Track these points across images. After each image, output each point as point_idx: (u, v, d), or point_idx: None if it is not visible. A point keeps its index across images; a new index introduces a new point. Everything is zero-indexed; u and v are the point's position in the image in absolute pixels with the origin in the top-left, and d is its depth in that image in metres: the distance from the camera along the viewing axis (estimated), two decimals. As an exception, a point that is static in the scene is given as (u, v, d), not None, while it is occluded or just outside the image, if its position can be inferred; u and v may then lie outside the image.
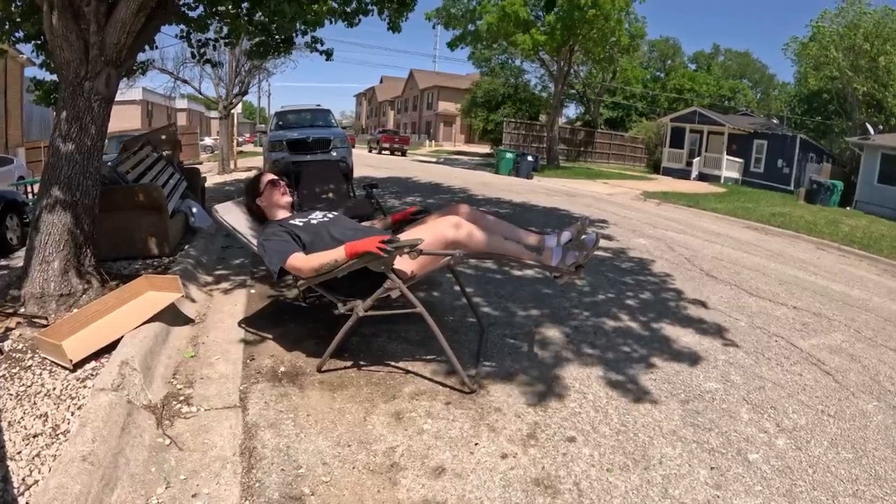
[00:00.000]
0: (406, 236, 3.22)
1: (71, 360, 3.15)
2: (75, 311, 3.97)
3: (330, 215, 3.69)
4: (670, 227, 10.05)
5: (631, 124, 42.69)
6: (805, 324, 4.91)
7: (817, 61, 26.76)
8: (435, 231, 3.15)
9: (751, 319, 4.85)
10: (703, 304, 5.15)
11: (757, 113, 42.54)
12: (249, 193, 3.81)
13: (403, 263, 3.12)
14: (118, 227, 5.59)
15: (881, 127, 24.99)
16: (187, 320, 4.05)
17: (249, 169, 19.47)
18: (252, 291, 4.89)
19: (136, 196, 5.77)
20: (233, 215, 3.81)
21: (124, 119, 31.70)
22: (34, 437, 2.59)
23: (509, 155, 22.36)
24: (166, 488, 2.31)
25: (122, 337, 3.34)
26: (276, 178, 3.80)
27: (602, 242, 7.53)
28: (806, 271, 7.46)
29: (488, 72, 38.63)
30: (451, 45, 29.07)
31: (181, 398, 3.01)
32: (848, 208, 19.16)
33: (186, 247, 6.06)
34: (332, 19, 7.01)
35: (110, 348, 3.27)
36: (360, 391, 3.11)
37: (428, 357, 3.55)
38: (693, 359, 3.85)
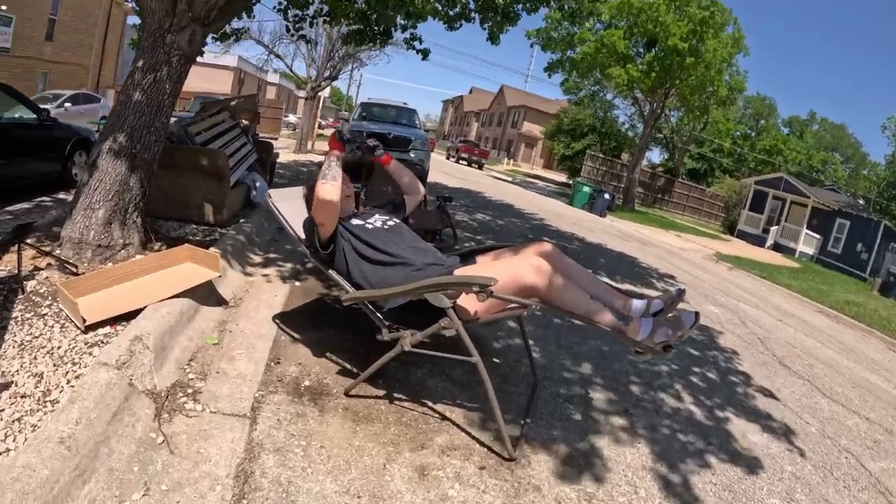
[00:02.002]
0: (477, 269, 2.81)
1: (84, 320, 2.90)
2: (109, 265, 3.76)
3: (391, 222, 3.31)
4: (742, 299, 9.37)
5: (713, 179, 41.41)
6: (876, 441, 4.30)
7: None
8: (512, 270, 2.68)
9: (822, 426, 4.27)
10: (774, 397, 4.57)
11: (843, 190, 40.70)
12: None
13: (468, 301, 2.68)
14: (175, 187, 5.43)
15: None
16: (220, 301, 3.76)
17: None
18: (297, 284, 4.56)
19: (199, 159, 5.57)
20: (289, 205, 3.43)
21: (216, 82, 32.69)
22: (22, 397, 2.37)
23: (586, 189, 21.75)
24: (143, 495, 2.00)
25: (146, 307, 3.06)
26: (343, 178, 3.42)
27: None
28: (879, 375, 6.76)
29: (577, 101, 38.12)
30: (549, 71, 28.80)
31: (189, 391, 2.69)
32: (924, 308, 17.82)
33: (241, 221, 5.81)
34: (434, 17, 6.77)
35: (130, 316, 3.00)
36: (386, 430, 2.71)
37: (470, 405, 3.11)
38: (757, 465, 3.29)
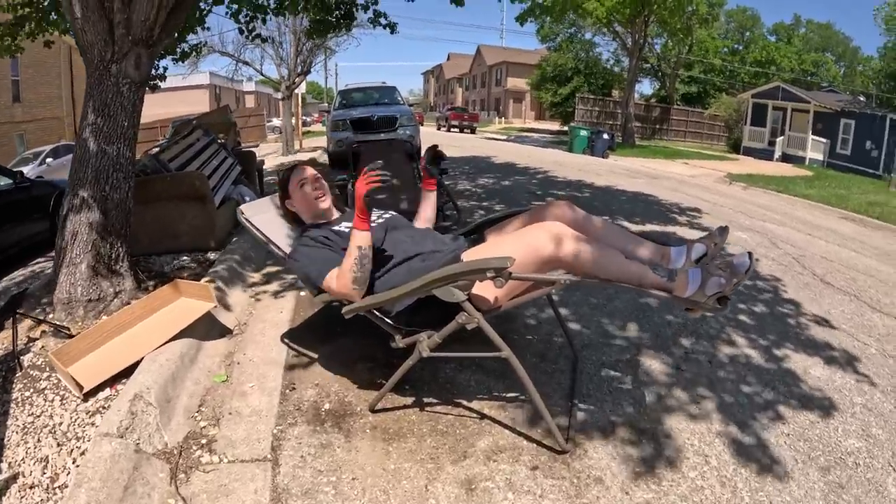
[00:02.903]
0: (488, 249, 2.48)
1: (81, 388, 2.69)
2: (104, 318, 3.54)
3: (386, 215, 2.99)
4: (766, 218, 9.03)
5: (709, 101, 40.57)
6: None
7: None
8: (527, 243, 2.32)
9: (881, 345, 3.92)
10: (827, 323, 4.23)
11: (842, 89, 39.60)
12: (280, 194, 3.10)
13: (485, 289, 2.36)
14: (160, 220, 5.18)
15: None
16: (224, 331, 3.52)
17: (315, 149, 19.16)
18: (302, 294, 4.28)
19: (177, 186, 5.28)
20: (265, 217, 3.13)
21: (192, 103, 32.43)
22: (31, 488, 2.19)
23: (584, 132, 21.31)
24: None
25: (142, 359, 2.83)
26: (308, 176, 3.02)
27: (698, 236, 6.65)
28: None
29: (557, 47, 37.46)
30: (520, 20, 28.10)
31: (203, 442, 2.46)
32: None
33: (235, 239, 5.56)
34: None
35: (130, 371, 2.78)
36: (421, 443, 2.45)
37: (508, 395, 2.83)
38: (827, 405, 2.99)
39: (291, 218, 3.09)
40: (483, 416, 2.66)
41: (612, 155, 20.60)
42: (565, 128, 33.56)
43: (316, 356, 3.27)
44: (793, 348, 3.68)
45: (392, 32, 7.90)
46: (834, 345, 3.80)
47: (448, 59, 71.68)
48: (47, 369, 2.99)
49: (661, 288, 2.32)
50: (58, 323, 3.48)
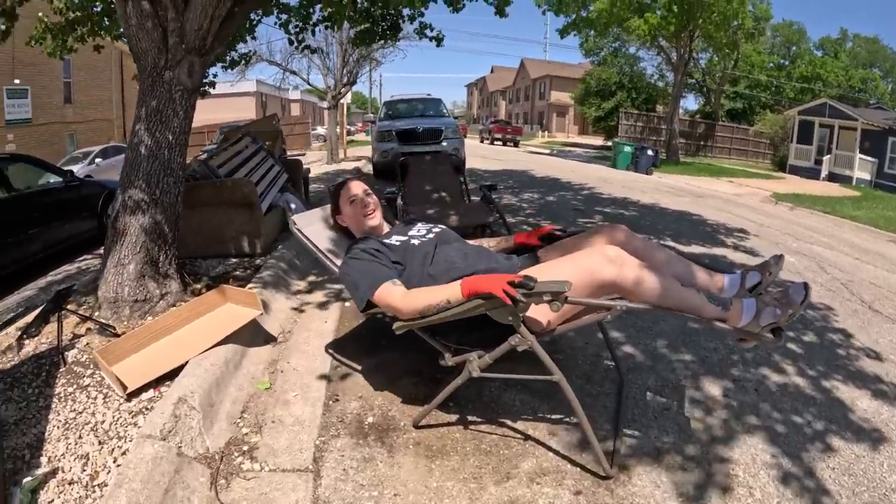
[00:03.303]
0: (542, 270, 2.39)
1: (125, 388, 2.72)
2: (150, 319, 3.59)
3: (436, 229, 2.94)
4: (814, 240, 8.77)
5: (754, 117, 39.79)
6: None
7: None
8: (584, 267, 2.27)
9: None
10: (876, 354, 4.04)
11: (889, 106, 38.39)
12: (332, 207, 3.13)
13: (538, 311, 2.32)
14: (207, 224, 5.28)
15: None
16: (268, 338, 3.55)
17: (359, 158, 19.31)
18: (347, 305, 4.28)
19: (225, 192, 5.39)
20: (316, 228, 3.13)
21: (239, 110, 33.04)
22: (70, 484, 2.20)
23: (628, 148, 21.03)
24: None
25: (187, 362, 2.85)
26: (359, 192, 2.99)
27: (747, 259, 6.57)
28: None
29: (601, 61, 37.20)
30: (562, 33, 27.89)
31: (245, 448, 2.46)
32: None
33: (280, 246, 5.61)
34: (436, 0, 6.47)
35: (174, 374, 2.81)
36: (465, 462, 2.41)
37: (553, 417, 2.77)
38: (873, 437, 2.87)
39: (341, 231, 3.13)
40: (527, 437, 2.61)
41: (656, 172, 20.26)
42: (608, 143, 33.23)
43: (360, 368, 3.26)
44: (840, 379, 3.54)
45: (438, 45, 7.92)
46: (882, 376, 3.65)
47: (492, 71, 71.86)
48: (91, 366, 3.04)
49: (716, 318, 2.26)
50: (103, 321, 3.55)
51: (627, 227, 2.68)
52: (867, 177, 23.61)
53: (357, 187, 3.00)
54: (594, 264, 2.26)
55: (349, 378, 3.16)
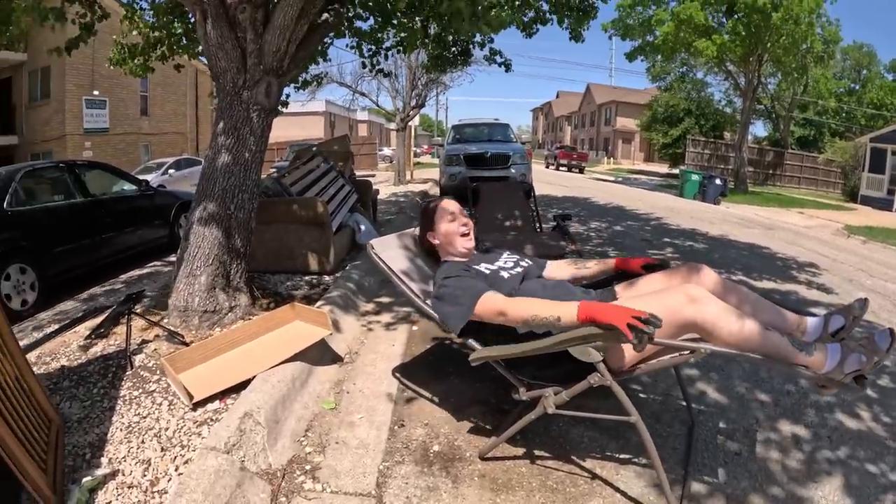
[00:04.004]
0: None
1: (191, 397, 2.77)
2: (217, 330, 3.67)
3: (523, 263, 2.88)
4: (889, 277, 8.31)
5: (823, 144, 38.39)
6: None
7: None
8: (667, 306, 2.17)
9: None
10: None
11: None
12: (423, 225, 3.03)
13: (619, 350, 2.26)
14: (278, 241, 5.40)
15: None
16: (335, 358, 3.56)
17: (426, 181, 19.46)
18: (414, 329, 4.28)
19: (298, 210, 5.50)
20: (394, 253, 3.06)
21: (308, 129, 33.90)
22: (129, 487, 2.23)
23: (695, 177, 20.56)
24: None
25: (255, 377, 2.88)
26: (458, 212, 2.95)
27: (820, 297, 6.30)
28: None
29: (667, 87, 36.67)
30: (630, 57, 27.71)
31: (307, 468, 2.46)
32: None
33: (349, 266, 5.68)
34: (508, 26, 6.48)
35: (240, 387, 2.85)
36: (530, 498, 2.33)
37: (622, 456, 2.68)
38: None
39: (428, 251, 3.07)
40: (595, 476, 2.51)
41: (724, 201, 19.72)
42: (674, 170, 32.64)
43: (426, 394, 3.23)
44: None
45: (507, 71, 7.91)
46: None
47: (557, 96, 71.70)
48: (158, 372, 3.11)
49: (799, 363, 2.15)
50: (172, 328, 3.64)
51: (702, 262, 2.58)
52: None
53: (455, 206, 2.98)
54: (677, 303, 2.18)
55: (415, 403, 3.13)
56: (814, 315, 2.45)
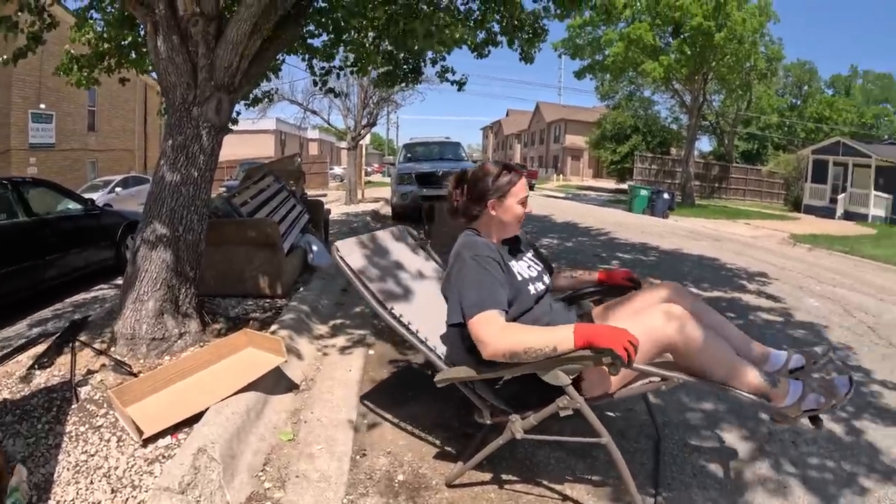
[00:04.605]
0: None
1: (141, 433, 2.60)
2: (167, 359, 3.51)
3: (545, 280, 2.60)
4: (836, 282, 8.61)
5: (767, 157, 40.02)
6: None
7: None
8: (644, 325, 2.12)
9: None
10: None
11: None
12: (483, 182, 2.49)
13: (595, 374, 2.20)
14: (228, 263, 5.24)
15: None
16: (291, 385, 3.41)
17: (377, 200, 19.39)
18: (371, 352, 4.18)
19: (248, 231, 5.34)
20: (358, 258, 2.86)
21: (258, 147, 33.45)
22: None
23: (644, 192, 21.00)
24: None
25: (207, 409, 2.73)
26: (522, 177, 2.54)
27: (768, 304, 6.49)
28: None
29: (616, 105, 37.53)
30: (578, 75, 28.45)
31: (267, 504, 2.32)
32: None
33: (301, 288, 5.55)
34: (461, 46, 6.53)
35: (193, 420, 2.70)
36: (500, 526, 2.25)
37: (590, 477, 2.62)
38: None
39: (467, 214, 2.58)
40: (565, 498, 2.45)
41: (673, 215, 20.15)
42: (623, 186, 33.28)
43: (388, 421, 3.13)
44: (872, 421, 3.48)
45: (460, 89, 7.89)
46: None
47: (507, 115, 72.43)
48: (105, 406, 2.93)
49: (761, 392, 2.16)
50: (119, 358, 3.45)
51: (653, 275, 2.57)
52: (882, 213, 23.48)
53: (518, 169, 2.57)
54: (654, 321, 2.15)
55: (376, 431, 3.02)
56: (777, 350, 2.48)
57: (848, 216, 24.02)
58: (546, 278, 2.60)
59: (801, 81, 48.32)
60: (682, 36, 23.64)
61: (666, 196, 20.46)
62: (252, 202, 6.14)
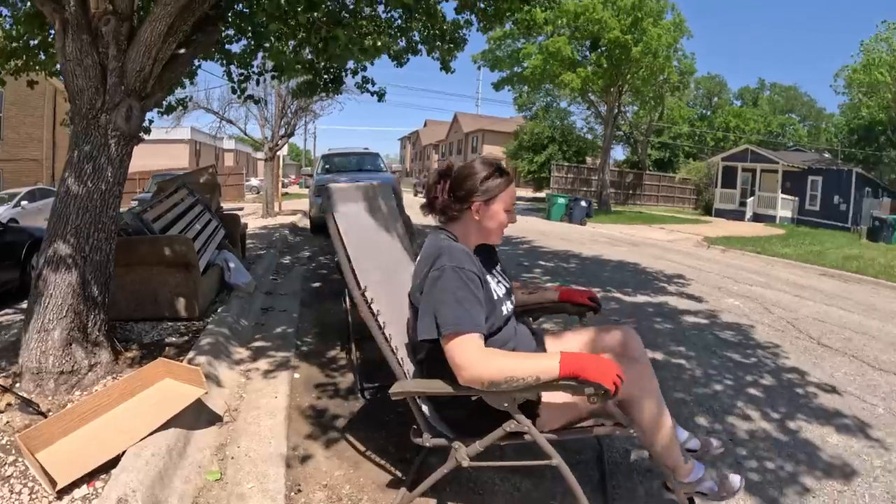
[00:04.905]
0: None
1: (54, 483, 2.32)
2: (77, 395, 3.23)
3: (512, 297, 2.42)
4: (752, 281, 9.07)
5: (678, 165, 42.12)
6: None
7: (869, 87, 26.30)
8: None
9: (887, 403, 4.01)
10: (833, 388, 4.24)
11: (807, 147, 42.28)
12: (462, 182, 2.26)
13: (552, 410, 2.12)
14: (141, 284, 4.87)
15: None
16: (213, 418, 3.15)
17: (295, 212, 18.91)
18: (297, 376, 3.94)
19: (162, 249, 4.96)
20: (355, 212, 2.43)
21: (172, 157, 32.21)
22: None
23: (561, 200, 21.45)
24: None
25: (126, 451, 2.47)
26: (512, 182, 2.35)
27: (692, 305, 6.73)
28: None
29: (533, 116, 38.23)
30: (497, 86, 29.02)
31: (197, 555, 2.10)
32: (914, 244, 18.64)
33: (220, 309, 5.22)
34: (380, 56, 6.42)
35: (110, 464, 2.43)
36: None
37: (537, 495, 2.54)
38: (849, 471, 2.97)
39: (445, 213, 2.33)
40: (514, 518, 2.33)
41: (590, 222, 20.69)
42: (540, 194, 33.89)
43: (322, 450, 2.93)
44: (804, 417, 3.66)
45: (380, 100, 7.78)
46: (843, 410, 3.82)
47: (425, 125, 72.63)
48: (13, 452, 2.61)
49: (672, 463, 2.16)
50: (25, 395, 3.14)
51: (578, 282, 2.50)
52: (789, 215, 25.70)
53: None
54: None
55: (310, 463, 2.81)
56: (679, 427, 2.51)
57: (757, 218, 25.80)
58: (512, 297, 2.41)
59: (712, 93, 51.76)
60: (599, 49, 24.48)
61: (583, 203, 20.98)
62: (165, 217, 5.76)
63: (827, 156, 36.14)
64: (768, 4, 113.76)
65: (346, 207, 2.42)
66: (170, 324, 4.86)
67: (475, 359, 1.90)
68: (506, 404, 1.96)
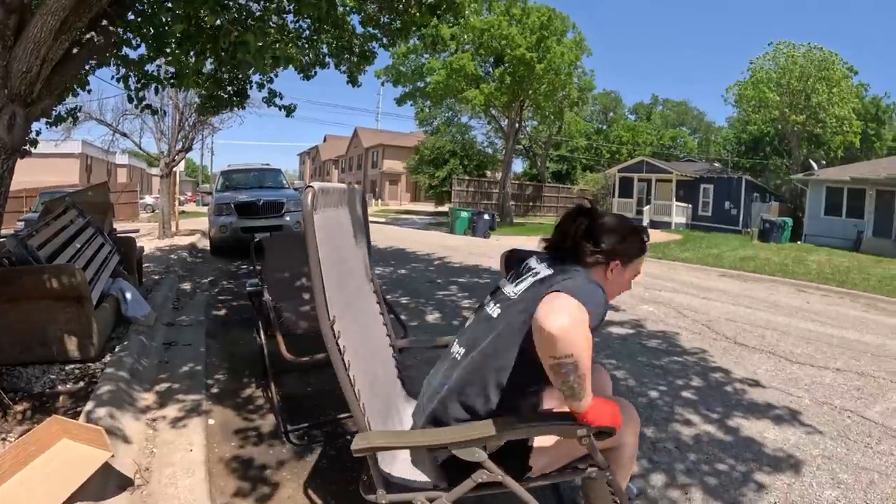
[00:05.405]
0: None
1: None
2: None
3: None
4: (662, 287, 9.35)
5: (575, 177, 43.82)
6: (858, 388, 4.58)
7: (758, 102, 28.13)
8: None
9: (811, 394, 4.37)
10: (758, 384, 4.55)
11: (698, 158, 45.15)
12: (610, 234, 2.04)
13: (543, 452, 1.94)
14: (26, 323, 4.23)
15: (823, 162, 28.03)
16: (123, 482, 2.64)
17: (192, 232, 17.83)
18: (211, 422, 3.47)
19: (49, 281, 4.29)
20: (332, 222, 2.11)
21: (62, 173, 29.96)
22: None
23: (465, 214, 21.49)
24: None
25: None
26: None
27: (610, 314, 6.64)
28: (813, 321, 7.26)
29: (434, 130, 38.38)
30: (400, 101, 29.12)
31: None
32: (799, 242, 20.84)
33: (117, 348, 4.57)
34: (288, 66, 6.12)
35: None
36: None
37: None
38: (793, 463, 3.18)
39: (576, 257, 2.01)
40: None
41: (494, 234, 20.76)
42: (443, 208, 34.04)
43: (255, 511, 2.51)
44: (741, 415, 3.85)
45: (288, 115, 7.40)
46: (773, 403, 4.10)
47: (325, 140, 71.53)
48: None
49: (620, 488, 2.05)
50: None
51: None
52: (684, 220, 27.75)
53: None
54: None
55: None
56: None
57: (654, 225, 27.28)
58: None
59: (608, 108, 54.58)
60: (503, 66, 24.90)
61: (486, 217, 21.26)
62: (52, 243, 5.05)
63: (717, 165, 39.17)
64: (662, 23, 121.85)
65: (325, 213, 2.02)
66: (63, 368, 4.21)
67: (579, 319, 1.61)
68: (476, 455, 1.75)
